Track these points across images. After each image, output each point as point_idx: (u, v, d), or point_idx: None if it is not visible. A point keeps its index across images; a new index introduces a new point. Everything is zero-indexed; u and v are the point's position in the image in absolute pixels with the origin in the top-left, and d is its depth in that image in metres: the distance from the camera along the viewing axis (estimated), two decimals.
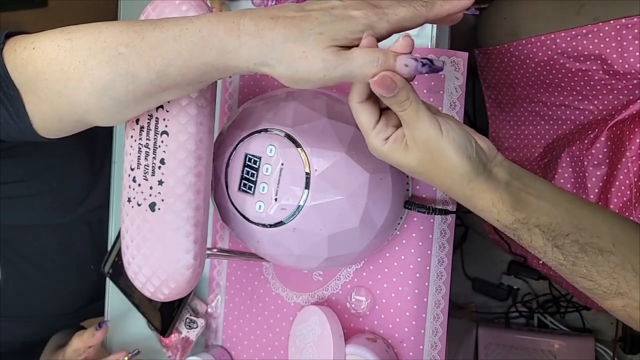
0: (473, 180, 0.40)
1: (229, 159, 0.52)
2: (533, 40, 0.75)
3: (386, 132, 0.42)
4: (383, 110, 0.43)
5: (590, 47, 0.72)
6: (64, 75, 0.41)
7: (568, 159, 0.78)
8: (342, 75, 0.38)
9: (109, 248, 0.79)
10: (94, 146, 0.79)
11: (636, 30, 0.68)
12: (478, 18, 0.88)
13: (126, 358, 0.71)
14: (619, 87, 0.73)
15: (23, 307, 0.73)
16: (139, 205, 0.47)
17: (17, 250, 0.71)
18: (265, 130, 0.50)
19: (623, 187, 0.70)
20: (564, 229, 0.40)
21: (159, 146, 0.46)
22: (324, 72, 0.38)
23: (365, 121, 0.42)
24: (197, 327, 0.71)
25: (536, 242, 0.41)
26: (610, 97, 0.75)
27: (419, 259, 0.59)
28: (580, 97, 0.78)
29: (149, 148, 0.46)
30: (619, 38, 0.69)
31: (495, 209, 0.41)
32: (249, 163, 0.50)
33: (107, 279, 0.79)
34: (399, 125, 0.42)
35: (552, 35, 0.73)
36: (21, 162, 0.68)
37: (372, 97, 0.42)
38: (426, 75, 0.51)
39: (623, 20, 0.68)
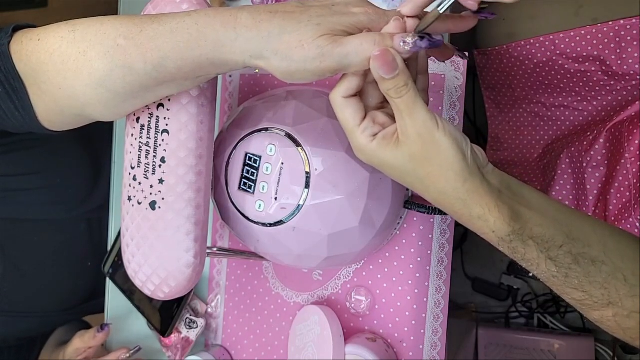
0: (468, 180, 0.38)
1: (229, 158, 0.52)
2: (532, 41, 0.75)
3: (373, 129, 0.40)
4: (367, 109, 0.41)
5: (589, 48, 0.72)
6: (64, 66, 0.41)
7: (567, 160, 0.78)
8: (339, 61, 0.37)
9: (109, 248, 0.79)
10: (96, 145, 0.80)
11: (635, 32, 0.68)
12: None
13: (127, 355, 0.71)
14: (618, 88, 0.73)
15: (21, 303, 0.73)
16: (139, 203, 0.47)
17: (17, 245, 0.71)
18: (266, 129, 0.50)
19: (622, 189, 0.70)
20: (557, 240, 0.39)
21: (160, 145, 0.46)
22: (320, 59, 0.37)
23: (351, 117, 0.40)
24: (197, 327, 0.71)
25: (530, 254, 0.39)
26: (609, 98, 0.75)
27: (419, 259, 0.59)
28: (579, 98, 0.78)
29: (149, 147, 0.46)
30: (617, 39, 0.69)
31: (492, 217, 0.39)
32: (249, 162, 0.50)
33: (107, 279, 0.79)
34: (385, 123, 0.41)
35: (551, 37, 0.74)
36: (25, 155, 0.69)
37: (357, 95, 0.41)
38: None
39: (622, 22, 0.68)
